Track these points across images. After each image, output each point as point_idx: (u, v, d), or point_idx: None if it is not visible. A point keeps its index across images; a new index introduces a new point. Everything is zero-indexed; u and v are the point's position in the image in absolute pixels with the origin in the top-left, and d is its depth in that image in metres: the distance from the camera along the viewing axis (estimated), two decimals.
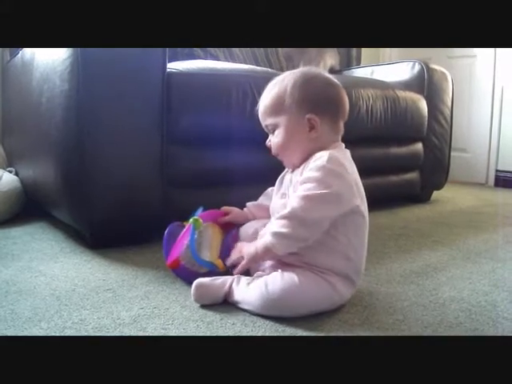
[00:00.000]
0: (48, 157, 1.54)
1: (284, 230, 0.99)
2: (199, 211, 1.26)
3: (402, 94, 2.22)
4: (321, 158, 1.03)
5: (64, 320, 0.98)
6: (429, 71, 2.38)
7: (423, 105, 2.32)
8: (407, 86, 2.37)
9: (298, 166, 1.11)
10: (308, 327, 0.97)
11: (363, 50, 3.42)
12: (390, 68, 2.57)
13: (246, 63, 2.25)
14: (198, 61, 1.80)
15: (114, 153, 1.41)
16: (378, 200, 2.23)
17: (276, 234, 1.00)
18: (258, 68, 1.92)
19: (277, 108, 1.11)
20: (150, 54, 1.43)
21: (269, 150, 1.16)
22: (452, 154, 2.59)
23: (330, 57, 2.89)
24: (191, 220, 1.20)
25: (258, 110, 1.17)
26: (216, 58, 2.22)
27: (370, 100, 2.06)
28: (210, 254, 1.19)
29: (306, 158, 1.09)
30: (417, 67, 2.40)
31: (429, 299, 1.15)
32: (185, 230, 1.20)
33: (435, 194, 2.61)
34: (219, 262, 1.15)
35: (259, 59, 2.43)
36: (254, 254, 1.04)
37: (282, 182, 1.19)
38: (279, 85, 1.12)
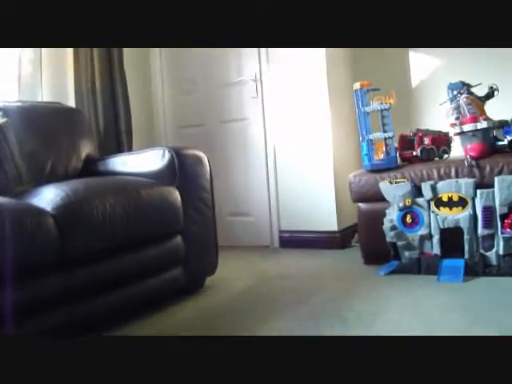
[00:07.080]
0: None
1: None
2: None
3: (146, 192, 2.07)
4: None
5: None
6: (180, 158, 2.26)
7: (175, 196, 2.18)
8: (159, 176, 2.24)
9: None
10: None
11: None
12: (141, 157, 2.43)
13: None
14: None
15: None
16: (139, 308, 2.07)
17: None
18: None
19: None
20: None
21: None
22: (235, 218, 2.55)
23: (86, 145, 2.69)
24: None
25: None
26: None
27: (107, 209, 1.88)
28: None
29: None
30: (167, 155, 2.26)
31: None
32: None
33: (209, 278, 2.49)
34: None
35: None
36: None
37: None
38: None
